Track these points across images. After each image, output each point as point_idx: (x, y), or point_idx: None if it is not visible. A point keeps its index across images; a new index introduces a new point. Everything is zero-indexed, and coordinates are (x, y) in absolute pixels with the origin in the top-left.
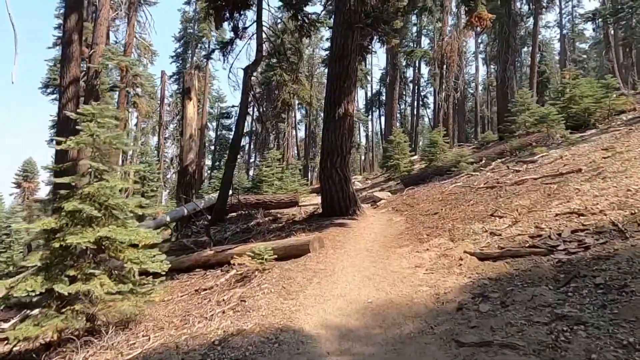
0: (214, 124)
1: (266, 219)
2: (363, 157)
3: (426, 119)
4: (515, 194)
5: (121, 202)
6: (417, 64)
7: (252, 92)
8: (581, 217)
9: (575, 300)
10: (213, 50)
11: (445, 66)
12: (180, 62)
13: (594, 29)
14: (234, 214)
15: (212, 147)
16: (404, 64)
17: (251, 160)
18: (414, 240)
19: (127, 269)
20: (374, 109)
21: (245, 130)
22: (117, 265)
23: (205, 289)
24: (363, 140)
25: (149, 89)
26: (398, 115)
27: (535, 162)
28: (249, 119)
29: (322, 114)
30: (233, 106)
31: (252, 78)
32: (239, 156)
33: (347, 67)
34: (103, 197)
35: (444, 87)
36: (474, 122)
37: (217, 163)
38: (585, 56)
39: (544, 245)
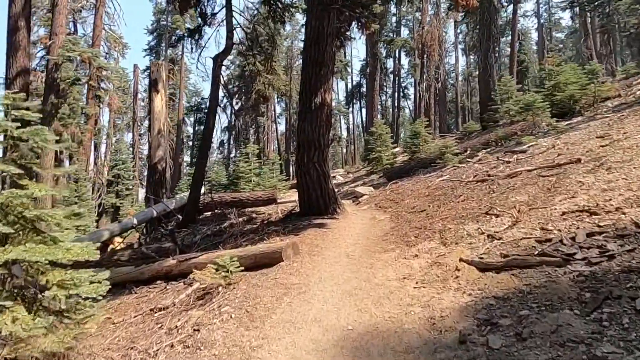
0: (192, 118)
1: (240, 219)
2: (345, 150)
3: (407, 111)
4: (511, 189)
5: (45, 214)
6: (397, 55)
7: (223, 83)
8: (594, 217)
9: (615, 334)
10: (180, 38)
11: (425, 55)
12: (154, 55)
13: (571, 17)
14: (208, 213)
15: (190, 143)
16: (384, 54)
17: (231, 155)
18: (400, 243)
19: (51, 295)
20: (354, 101)
21: (225, 125)
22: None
23: (161, 309)
24: (344, 133)
25: (118, 83)
26: (379, 107)
27: (525, 152)
28: (227, 112)
29: None
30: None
31: (223, 68)
32: (218, 152)
33: (324, 52)
34: (18, 208)
35: (424, 77)
36: (455, 113)
37: (195, 159)
38: (561, 45)
39: (557, 252)
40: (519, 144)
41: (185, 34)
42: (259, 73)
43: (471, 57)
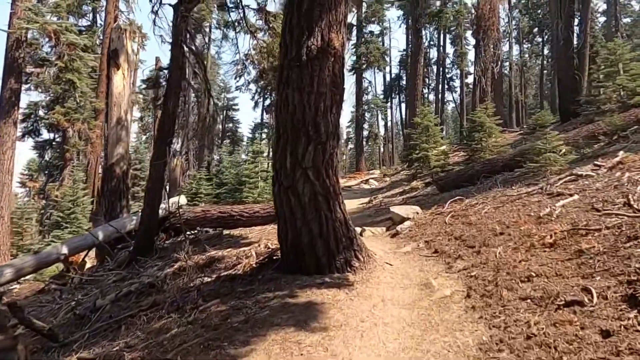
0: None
1: (197, 259)
2: (382, 149)
3: (451, 106)
4: None
5: None
6: (442, 40)
7: (190, 45)
8: None
9: None
10: None
11: (482, 32)
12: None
13: None
14: (191, 233)
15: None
16: (427, 38)
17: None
18: None
19: None
20: (393, 95)
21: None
22: None
23: None
24: (382, 130)
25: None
26: (422, 96)
27: None
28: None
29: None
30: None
31: (190, 21)
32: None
33: None
34: None
35: (481, 57)
36: (508, 107)
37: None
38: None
39: None
40: None
41: None
42: (252, 33)
43: (524, 45)
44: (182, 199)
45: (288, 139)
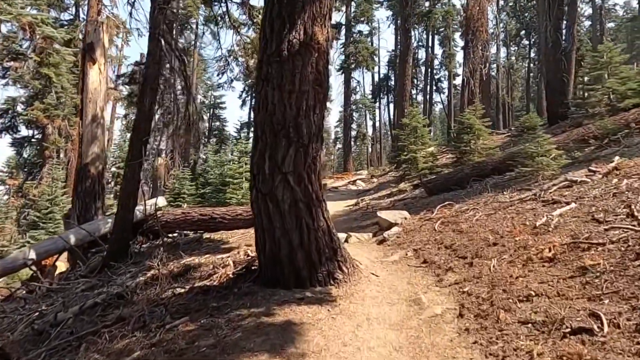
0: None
1: (172, 267)
2: (370, 150)
3: (439, 107)
4: None
5: None
6: (430, 42)
7: (168, 39)
8: None
9: None
10: None
11: (471, 32)
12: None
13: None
14: (169, 237)
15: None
16: (416, 39)
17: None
18: None
19: None
20: (381, 95)
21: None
22: None
23: None
24: (370, 130)
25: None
26: (411, 96)
27: None
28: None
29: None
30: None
31: (169, 15)
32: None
33: None
34: None
35: (470, 59)
36: (495, 109)
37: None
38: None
39: None
40: None
41: None
42: (235, 28)
43: (511, 47)
44: (162, 201)
45: (267, 141)
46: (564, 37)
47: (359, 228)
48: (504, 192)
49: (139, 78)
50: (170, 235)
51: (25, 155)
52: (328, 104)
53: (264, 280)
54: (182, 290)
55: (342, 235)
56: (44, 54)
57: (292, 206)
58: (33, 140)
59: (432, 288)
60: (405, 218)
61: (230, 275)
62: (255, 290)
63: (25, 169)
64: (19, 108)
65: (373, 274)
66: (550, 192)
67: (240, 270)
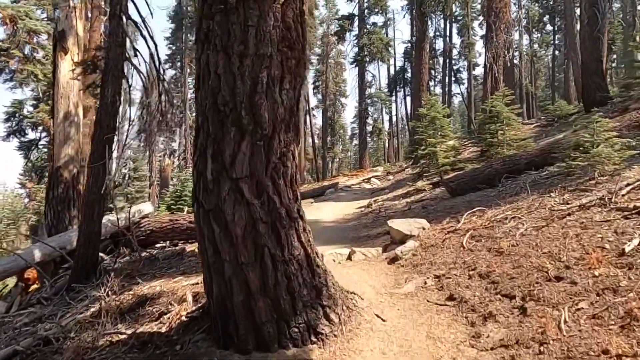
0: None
1: (124, 298)
2: (387, 145)
3: (458, 99)
4: None
5: None
6: (448, 31)
7: (132, 17)
8: None
9: None
10: None
11: (493, 14)
12: (177, 43)
13: None
14: (147, 251)
15: None
16: (433, 29)
17: None
18: None
19: None
20: (397, 88)
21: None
22: None
23: None
24: (386, 125)
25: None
26: (428, 87)
27: None
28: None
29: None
30: None
31: None
32: None
33: None
34: None
35: (492, 43)
36: (519, 99)
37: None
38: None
39: None
40: None
41: None
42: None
43: (534, 35)
44: (148, 207)
45: (209, 131)
46: (600, 13)
47: (368, 238)
48: (551, 194)
49: (100, 65)
50: (157, 245)
51: (32, 158)
52: (343, 99)
53: (216, 336)
54: (123, 337)
55: (344, 251)
56: (26, 48)
57: (248, 230)
58: (41, 143)
59: (464, 349)
60: (424, 228)
61: (183, 319)
62: (204, 351)
63: (36, 173)
64: (25, 111)
65: (378, 316)
66: (625, 196)
67: (196, 312)
